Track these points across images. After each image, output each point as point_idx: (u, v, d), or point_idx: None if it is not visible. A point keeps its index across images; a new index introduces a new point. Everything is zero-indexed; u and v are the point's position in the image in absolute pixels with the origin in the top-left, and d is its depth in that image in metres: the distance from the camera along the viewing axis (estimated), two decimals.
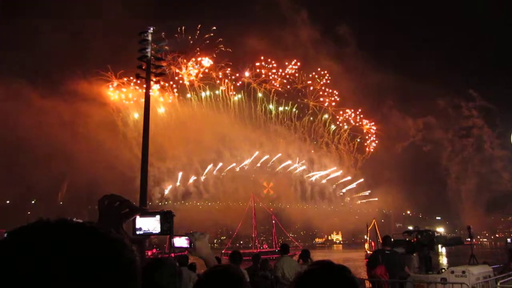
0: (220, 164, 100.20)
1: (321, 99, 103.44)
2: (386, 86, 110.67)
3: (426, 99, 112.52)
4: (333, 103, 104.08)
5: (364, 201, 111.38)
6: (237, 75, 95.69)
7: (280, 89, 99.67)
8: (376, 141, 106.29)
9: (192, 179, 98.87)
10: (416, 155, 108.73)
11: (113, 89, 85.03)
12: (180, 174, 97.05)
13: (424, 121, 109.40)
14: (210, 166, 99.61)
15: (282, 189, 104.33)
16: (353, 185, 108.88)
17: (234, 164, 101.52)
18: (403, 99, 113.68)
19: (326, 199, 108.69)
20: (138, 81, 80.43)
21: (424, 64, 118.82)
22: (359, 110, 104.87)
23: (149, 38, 26.19)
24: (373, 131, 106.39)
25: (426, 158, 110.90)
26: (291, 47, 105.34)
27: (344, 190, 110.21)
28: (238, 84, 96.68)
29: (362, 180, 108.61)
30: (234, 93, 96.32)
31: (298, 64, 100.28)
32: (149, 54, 25.83)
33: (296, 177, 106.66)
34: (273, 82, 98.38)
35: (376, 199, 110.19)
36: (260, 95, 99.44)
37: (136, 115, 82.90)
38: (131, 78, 78.14)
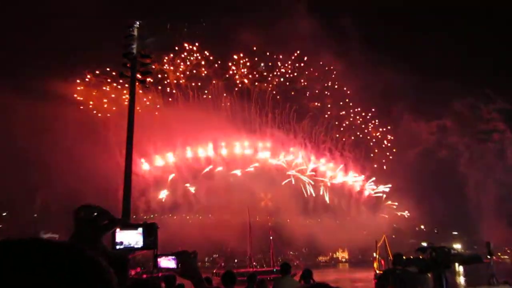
0: (210, 167, 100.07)
1: (322, 100, 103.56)
2: (395, 85, 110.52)
3: (440, 100, 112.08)
4: (341, 103, 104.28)
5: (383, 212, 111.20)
6: (231, 72, 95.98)
7: (275, 89, 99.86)
8: (388, 146, 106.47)
9: (181, 188, 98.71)
10: (430, 161, 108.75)
11: (92, 90, 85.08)
12: (169, 180, 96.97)
13: (438, 124, 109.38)
14: (202, 173, 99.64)
15: (282, 201, 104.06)
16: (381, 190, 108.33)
17: (226, 172, 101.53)
18: (414, 100, 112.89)
19: (331, 212, 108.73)
20: (121, 80, 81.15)
21: (438, 61, 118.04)
22: (367, 112, 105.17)
23: (135, 33, 26.21)
24: (381, 136, 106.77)
25: (441, 165, 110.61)
26: (289, 42, 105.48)
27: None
28: (229, 83, 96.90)
29: (389, 186, 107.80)
30: (225, 95, 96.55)
31: (297, 63, 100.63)
32: (134, 51, 25.84)
33: (297, 187, 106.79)
34: (269, 79, 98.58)
35: (396, 203, 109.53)
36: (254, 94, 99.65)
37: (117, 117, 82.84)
38: (114, 74, 78.29)
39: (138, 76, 25.73)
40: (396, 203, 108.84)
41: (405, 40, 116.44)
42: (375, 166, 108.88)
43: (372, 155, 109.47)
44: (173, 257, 2.96)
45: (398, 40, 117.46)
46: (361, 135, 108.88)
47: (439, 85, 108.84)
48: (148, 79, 28.77)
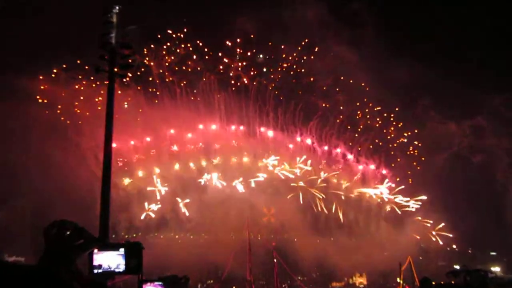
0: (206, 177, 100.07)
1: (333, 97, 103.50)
2: (419, 80, 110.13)
3: (473, 96, 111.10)
4: (357, 104, 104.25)
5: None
6: (225, 65, 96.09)
7: (277, 84, 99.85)
8: (414, 151, 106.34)
9: (169, 203, 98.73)
10: (462, 168, 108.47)
11: (61, 88, 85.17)
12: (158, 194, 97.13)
13: (471, 124, 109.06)
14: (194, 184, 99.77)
15: (287, 216, 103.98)
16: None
17: (220, 183, 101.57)
18: (442, 97, 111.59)
19: (346, 229, 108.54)
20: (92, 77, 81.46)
21: (471, 50, 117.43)
22: (387, 112, 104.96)
23: (114, 20, 26.23)
24: (405, 139, 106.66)
25: (475, 173, 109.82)
26: (294, 30, 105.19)
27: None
28: (223, 78, 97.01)
29: (423, 198, 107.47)
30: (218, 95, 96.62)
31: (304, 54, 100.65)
32: (113, 41, 25.87)
33: (306, 199, 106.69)
34: (271, 73, 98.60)
35: (431, 221, 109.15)
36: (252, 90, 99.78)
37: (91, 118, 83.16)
38: (87, 69, 78.38)
39: (117, 70, 25.79)
40: (431, 221, 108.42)
41: (432, 27, 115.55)
42: (397, 178, 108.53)
43: (392, 165, 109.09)
44: (161, 283, 3.00)
45: (423, 26, 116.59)
46: (380, 142, 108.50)
47: (472, 78, 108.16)
48: (129, 74, 28.88)
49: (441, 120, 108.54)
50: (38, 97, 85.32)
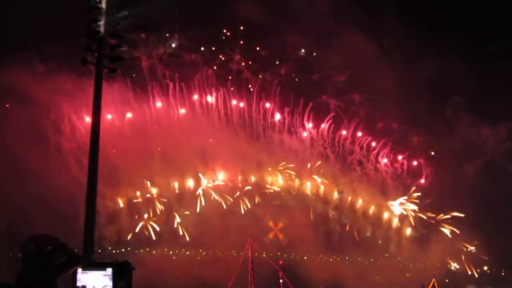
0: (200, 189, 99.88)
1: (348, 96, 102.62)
2: (448, 76, 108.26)
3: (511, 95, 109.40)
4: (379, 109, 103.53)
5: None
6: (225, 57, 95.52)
7: (284, 80, 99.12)
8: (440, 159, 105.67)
9: (163, 215, 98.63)
10: (497, 179, 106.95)
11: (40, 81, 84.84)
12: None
13: (509, 127, 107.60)
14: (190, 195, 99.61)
15: (296, 232, 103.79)
16: None
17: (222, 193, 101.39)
18: (475, 95, 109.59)
19: (363, 247, 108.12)
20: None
21: (507, 42, 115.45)
22: (409, 114, 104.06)
23: (103, 5, 26.18)
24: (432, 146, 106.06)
25: (511, 185, 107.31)
26: (304, 17, 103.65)
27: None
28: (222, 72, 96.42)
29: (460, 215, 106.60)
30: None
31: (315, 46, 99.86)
32: (102, 29, 25.82)
33: (318, 213, 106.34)
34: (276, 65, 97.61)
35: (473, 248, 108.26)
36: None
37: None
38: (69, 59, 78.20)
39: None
40: (474, 248, 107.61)
41: (464, 13, 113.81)
42: (419, 183, 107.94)
43: (421, 178, 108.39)
44: None
45: (453, 14, 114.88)
46: (402, 148, 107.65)
47: (508, 76, 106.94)
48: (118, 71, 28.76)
49: (473, 122, 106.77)
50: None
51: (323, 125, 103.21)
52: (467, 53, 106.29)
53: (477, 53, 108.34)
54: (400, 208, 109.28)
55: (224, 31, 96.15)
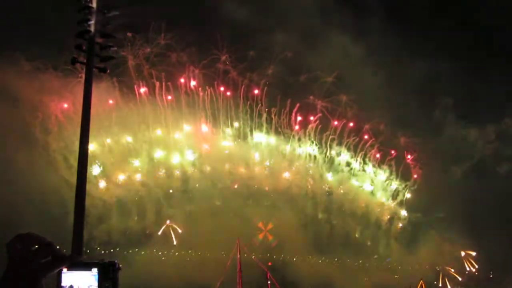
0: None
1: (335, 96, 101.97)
2: (436, 77, 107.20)
3: (500, 96, 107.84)
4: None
5: None
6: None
7: (271, 80, 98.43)
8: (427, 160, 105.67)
9: (151, 215, 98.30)
10: (485, 181, 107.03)
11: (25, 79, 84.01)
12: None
13: (497, 128, 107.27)
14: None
15: (286, 233, 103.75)
16: None
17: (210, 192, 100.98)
18: (463, 96, 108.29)
19: (352, 248, 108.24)
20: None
21: (495, 42, 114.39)
22: (396, 115, 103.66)
23: (94, 5, 26.07)
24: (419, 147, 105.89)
25: (500, 186, 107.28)
26: (290, 17, 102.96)
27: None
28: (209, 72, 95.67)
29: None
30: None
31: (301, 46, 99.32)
32: (92, 29, 25.70)
33: (306, 214, 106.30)
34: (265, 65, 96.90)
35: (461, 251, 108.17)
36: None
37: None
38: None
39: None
40: (462, 250, 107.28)
41: (450, 16, 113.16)
42: (411, 185, 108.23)
43: (410, 179, 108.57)
44: None
45: (438, 17, 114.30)
46: (389, 149, 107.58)
47: (499, 75, 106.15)
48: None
49: (461, 123, 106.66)
50: None
51: (310, 126, 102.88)
52: (455, 54, 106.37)
53: (465, 55, 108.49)
54: (389, 209, 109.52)
55: (211, 31, 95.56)
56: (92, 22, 24.60)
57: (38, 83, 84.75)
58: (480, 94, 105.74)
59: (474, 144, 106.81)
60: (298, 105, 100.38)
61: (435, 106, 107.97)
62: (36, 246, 1.96)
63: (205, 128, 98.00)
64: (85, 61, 24.79)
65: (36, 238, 1.91)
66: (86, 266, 2.64)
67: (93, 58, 24.45)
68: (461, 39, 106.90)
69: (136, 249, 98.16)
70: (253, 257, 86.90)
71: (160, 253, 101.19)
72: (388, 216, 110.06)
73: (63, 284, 2.62)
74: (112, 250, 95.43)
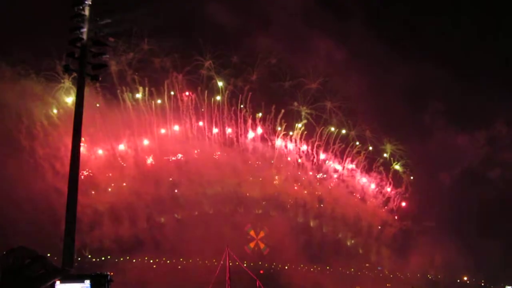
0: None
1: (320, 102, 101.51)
2: (424, 83, 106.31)
3: (490, 102, 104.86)
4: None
5: None
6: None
7: (255, 86, 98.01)
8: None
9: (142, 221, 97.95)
10: (476, 187, 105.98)
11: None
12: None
13: (487, 133, 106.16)
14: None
15: (278, 242, 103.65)
16: None
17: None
18: (453, 102, 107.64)
19: (344, 256, 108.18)
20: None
21: (484, 47, 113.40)
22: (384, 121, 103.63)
23: (86, 12, 26.05)
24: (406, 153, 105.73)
25: (492, 192, 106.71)
26: (274, 22, 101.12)
27: None
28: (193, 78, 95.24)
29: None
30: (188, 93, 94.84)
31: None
32: (85, 36, 25.67)
33: (299, 223, 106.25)
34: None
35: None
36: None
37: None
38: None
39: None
40: (453, 257, 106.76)
41: (437, 21, 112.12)
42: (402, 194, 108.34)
43: (401, 187, 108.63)
44: None
45: (425, 21, 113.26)
46: (377, 156, 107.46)
47: (489, 81, 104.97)
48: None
49: (451, 129, 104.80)
50: None
51: (294, 132, 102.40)
52: (443, 58, 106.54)
53: (454, 59, 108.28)
54: (380, 216, 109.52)
55: (194, 37, 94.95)
56: (84, 30, 24.50)
57: (20, 88, 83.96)
58: (469, 99, 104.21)
59: (464, 150, 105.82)
60: (283, 111, 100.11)
61: (423, 111, 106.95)
62: (29, 260, 1.97)
63: (190, 134, 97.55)
64: (77, 68, 24.68)
65: (28, 251, 1.91)
66: (79, 278, 2.66)
67: (85, 65, 24.36)
68: (449, 41, 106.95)
69: (128, 257, 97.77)
70: (244, 264, 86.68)
71: (151, 261, 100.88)
72: (379, 224, 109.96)
73: None
74: (103, 258, 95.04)
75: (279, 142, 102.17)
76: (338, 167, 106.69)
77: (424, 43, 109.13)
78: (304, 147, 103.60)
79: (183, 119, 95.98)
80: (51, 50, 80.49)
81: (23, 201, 79.14)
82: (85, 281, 2.68)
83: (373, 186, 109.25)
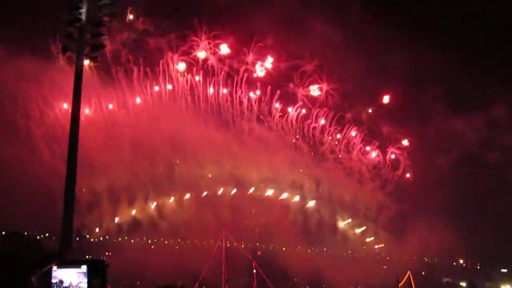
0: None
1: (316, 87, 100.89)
2: (422, 66, 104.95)
3: (488, 84, 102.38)
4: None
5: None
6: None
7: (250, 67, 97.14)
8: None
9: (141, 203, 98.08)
10: (474, 172, 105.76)
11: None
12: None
13: (485, 117, 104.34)
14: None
15: (275, 224, 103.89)
16: None
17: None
18: (451, 85, 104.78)
19: (341, 239, 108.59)
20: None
21: (484, 29, 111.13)
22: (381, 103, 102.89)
23: None
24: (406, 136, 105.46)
25: (489, 177, 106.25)
26: (269, 1, 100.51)
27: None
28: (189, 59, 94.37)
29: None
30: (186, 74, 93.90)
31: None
32: (83, 17, 25.46)
33: (296, 206, 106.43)
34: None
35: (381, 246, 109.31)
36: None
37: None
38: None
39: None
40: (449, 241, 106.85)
41: (436, 2, 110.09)
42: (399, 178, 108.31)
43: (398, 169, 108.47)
44: None
45: (425, 3, 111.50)
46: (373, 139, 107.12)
47: (488, 63, 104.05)
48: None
49: (449, 113, 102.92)
50: None
51: (291, 114, 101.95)
52: (442, 41, 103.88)
53: (452, 41, 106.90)
54: (377, 199, 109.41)
55: (190, 17, 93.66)
56: (83, 10, 24.32)
57: (14, 68, 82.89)
58: (468, 81, 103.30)
59: (463, 133, 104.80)
60: (278, 92, 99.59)
61: (423, 95, 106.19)
62: (26, 245, 2.00)
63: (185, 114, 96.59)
64: (75, 50, 24.51)
65: (24, 238, 1.95)
66: (76, 264, 2.70)
67: (84, 46, 24.23)
68: (446, 25, 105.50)
69: (126, 238, 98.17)
70: (242, 246, 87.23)
71: (149, 241, 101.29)
72: (377, 206, 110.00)
73: (53, 280, 2.69)
74: (101, 239, 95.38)
75: (275, 123, 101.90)
76: (335, 148, 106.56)
77: (424, 25, 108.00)
78: (300, 129, 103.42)
79: (178, 100, 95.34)
80: (45, 30, 79.68)
81: (20, 183, 78.71)
82: (82, 266, 2.73)
83: (374, 154, 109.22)
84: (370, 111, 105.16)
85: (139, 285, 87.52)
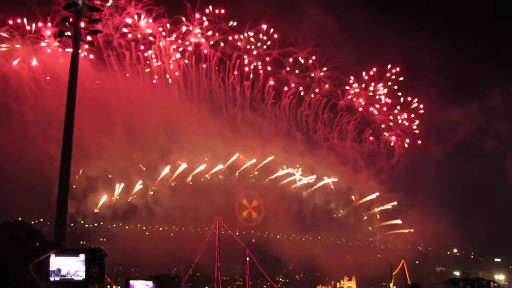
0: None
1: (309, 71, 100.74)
2: (418, 54, 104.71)
3: (484, 72, 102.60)
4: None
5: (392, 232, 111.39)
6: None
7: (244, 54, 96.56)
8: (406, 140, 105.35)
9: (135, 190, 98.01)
10: (469, 160, 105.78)
11: None
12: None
13: (480, 105, 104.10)
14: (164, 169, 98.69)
15: (271, 211, 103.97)
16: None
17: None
18: (447, 72, 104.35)
19: (335, 227, 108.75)
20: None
21: (480, 17, 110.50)
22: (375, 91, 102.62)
23: None
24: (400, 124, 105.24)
25: (483, 165, 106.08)
26: None
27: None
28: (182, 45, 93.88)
29: (394, 203, 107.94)
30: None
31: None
32: (80, 2, 25.38)
33: (292, 193, 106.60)
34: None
35: (411, 231, 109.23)
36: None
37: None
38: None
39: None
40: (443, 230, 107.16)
41: None
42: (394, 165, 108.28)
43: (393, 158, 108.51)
44: (151, 282, 3.03)
45: None
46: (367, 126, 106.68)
47: (483, 50, 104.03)
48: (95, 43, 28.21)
49: (444, 100, 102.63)
50: None
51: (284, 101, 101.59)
52: (435, 29, 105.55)
53: (449, 30, 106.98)
54: (371, 187, 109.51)
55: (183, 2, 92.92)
56: None
57: (5, 51, 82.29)
58: (464, 70, 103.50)
59: (458, 121, 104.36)
60: (271, 79, 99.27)
61: (417, 82, 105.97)
62: (24, 233, 2.01)
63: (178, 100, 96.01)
64: (71, 34, 24.42)
65: (23, 225, 1.96)
66: (74, 252, 2.71)
67: (80, 31, 24.12)
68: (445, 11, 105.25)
69: (121, 224, 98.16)
70: (236, 233, 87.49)
71: (144, 228, 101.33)
72: (371, 195, 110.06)
73: (51, 268, 2.69)
74: (96, 224, 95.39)
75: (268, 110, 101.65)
76: (328, 135, 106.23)
77: (419, 12, 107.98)
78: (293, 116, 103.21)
79: (171, 85, 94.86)
80: (36, 13, 79.20)
81: (14, 169, 78.53)
82: (80, 255, 2.73)
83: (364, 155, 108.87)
84: (362, 102, 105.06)
85: (133, 271, 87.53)
